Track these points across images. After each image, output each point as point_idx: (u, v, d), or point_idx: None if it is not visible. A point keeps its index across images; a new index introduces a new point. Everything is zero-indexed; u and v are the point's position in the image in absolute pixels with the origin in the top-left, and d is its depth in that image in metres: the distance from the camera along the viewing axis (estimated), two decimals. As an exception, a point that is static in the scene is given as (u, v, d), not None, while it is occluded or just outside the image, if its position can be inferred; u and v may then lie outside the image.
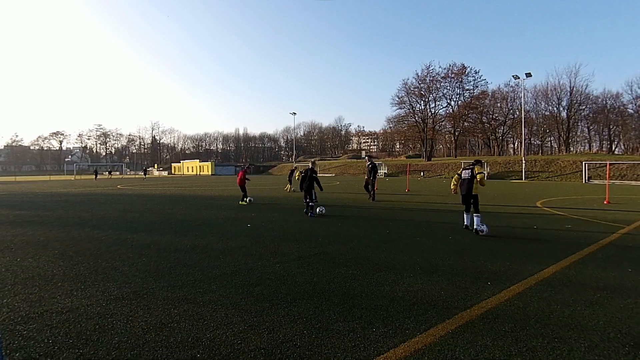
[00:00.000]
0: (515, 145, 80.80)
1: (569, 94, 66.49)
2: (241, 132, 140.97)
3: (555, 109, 69.52)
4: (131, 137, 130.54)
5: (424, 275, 4.98)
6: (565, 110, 67.46)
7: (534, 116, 73.07)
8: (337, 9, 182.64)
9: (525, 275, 4.95)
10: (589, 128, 74.42)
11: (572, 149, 70.10)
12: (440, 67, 71.62)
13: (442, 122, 70.32)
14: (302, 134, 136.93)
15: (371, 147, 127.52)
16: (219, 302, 4.00)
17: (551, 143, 79.64)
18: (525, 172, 42.99)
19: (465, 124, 70.01)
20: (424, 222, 9.90)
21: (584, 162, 38.94)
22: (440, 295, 4.18)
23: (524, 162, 43.93)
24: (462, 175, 8.49)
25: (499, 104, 73.39)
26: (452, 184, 8.94)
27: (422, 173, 54.33)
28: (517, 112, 66.83)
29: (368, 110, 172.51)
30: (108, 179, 52.81)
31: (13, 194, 22.02)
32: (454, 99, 68.85)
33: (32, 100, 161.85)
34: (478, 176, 8.10)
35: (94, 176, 51.53)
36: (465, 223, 8.53)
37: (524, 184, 32.73)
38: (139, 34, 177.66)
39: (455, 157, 68.78)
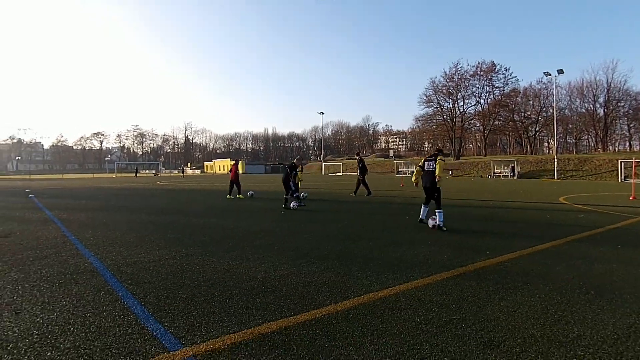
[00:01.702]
0: (550, 143, 78.55)
1: (606, 90, 64.08)
2: (270, 131, 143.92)
3: (591, 106, 67.17)
4: (166, 137, 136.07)
5: (433, 247, 5.90)
6: (603, 108, 65.10)
7: (568, 114, 70.89)
8: (363, 9, 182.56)
9: (522, 248, 5.77)
10: (629, 125, 71.33)
11: (610, 147, 67.52)
12: (468, 65, 70.74)
13: (471, 120, 69.54)
14: (329, 133, 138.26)
15: (399, 146, 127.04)
16: (264, 259, 5.10)
17: (588, 141, 76.89)
18: (557, 171, 42.20)
19: (496, 122, 68.91)
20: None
21: (619, 161, 37.86)
22: (443, 259, 5.11)
23: (556, 160, 43.12)
24: (425, 167, 8.03)
25: (531, 102, 71.71)
26: (414, 176, 8.41)
27: (450, 172, 54.12)
28: (551, 110, 65.16)
29: (396, 109, 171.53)
30: (147, 177, 55.74)
31: (70, 189, 24.30)
32: (484, 97, 67.92)
33: (76, 103, 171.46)
34: (437, 166, 7.69)
35: (134, 174, 54.75)
36: (420, 216, 8.20)
37: (554, 183, 32.37)
38: (172, 40, 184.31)
39: (485, 155, 67.81)
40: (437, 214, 7.61)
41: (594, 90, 65.68)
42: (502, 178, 44.01)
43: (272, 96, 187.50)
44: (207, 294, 3.70)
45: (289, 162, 13.17)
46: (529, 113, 72.51)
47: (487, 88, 67.27)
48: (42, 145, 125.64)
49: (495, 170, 48.09)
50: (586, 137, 75.56)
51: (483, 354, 2.54)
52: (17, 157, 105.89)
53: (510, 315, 3.18)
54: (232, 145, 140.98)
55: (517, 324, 3.01)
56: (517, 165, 47.04)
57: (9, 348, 2.63)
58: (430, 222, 7.64)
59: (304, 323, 3.01)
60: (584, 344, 2.69)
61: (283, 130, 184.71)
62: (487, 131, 70.36)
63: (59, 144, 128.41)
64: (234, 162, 16.01)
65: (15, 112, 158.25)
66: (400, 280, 4.14)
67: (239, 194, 15.67)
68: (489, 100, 67.96)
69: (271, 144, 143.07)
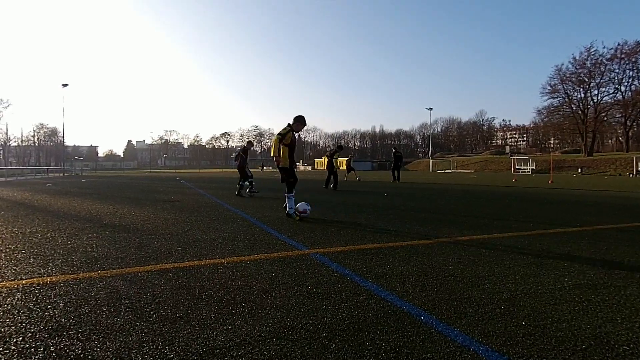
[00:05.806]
0: None
1: None
2: (377, 129, 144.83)
3: None
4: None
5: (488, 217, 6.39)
6: None
7: None
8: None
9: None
10: None
11: None
12: (605, 47, 60.33)
13: (608, 110, 59.85)
14: (439, 129, 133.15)
15: (519, 142, 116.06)
16: (363, 217, 6.31)
17: None
18: None
19: (642, 112, 58.19)
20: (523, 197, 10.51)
21: None
22: (486, 225, 5.65)
23: None
24: None
25: (696, 86, 58.57)
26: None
27: (579, 169, 48.11)
28: None
29: (514, 103, 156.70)
30: (267, 171, 62.09)
31: (208, 178, 29.14)
32: (625, 84, 57.78)
33: (208, 108, 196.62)
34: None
35: (260, 168, 63.14)
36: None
37: None
38: (282, 44, 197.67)
39: (627, 151, 58.02)
40: (286, 199, 6.64)
41: None
42: (648, 176, 37.61)
43: (379, 94, 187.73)
44: (322, 231, 5.09)
45: (242, 147, 12.63)
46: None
47: (631, 73, 57.07)
48: (183, 145, 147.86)
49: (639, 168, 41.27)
50: None
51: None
52: (164, 155, 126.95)
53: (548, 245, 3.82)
54: (340, 143, 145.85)
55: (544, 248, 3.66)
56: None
57: (205, 245, 4.32)
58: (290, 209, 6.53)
59: (392, 247, 4.14)
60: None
61: (390, 127, 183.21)
62: (629, 123, 59.95)
63: (195, 143, 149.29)
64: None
65: (165, 117, 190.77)
66: (474, 234, 4.96)
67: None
68: (632, 87, 57.68)
69: (378, 142, 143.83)
